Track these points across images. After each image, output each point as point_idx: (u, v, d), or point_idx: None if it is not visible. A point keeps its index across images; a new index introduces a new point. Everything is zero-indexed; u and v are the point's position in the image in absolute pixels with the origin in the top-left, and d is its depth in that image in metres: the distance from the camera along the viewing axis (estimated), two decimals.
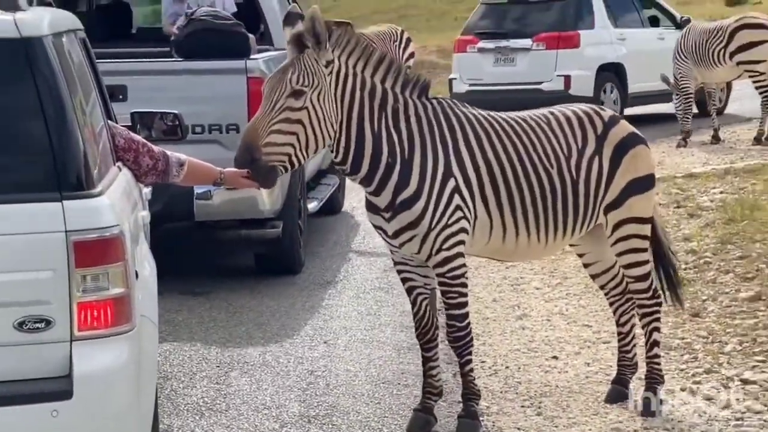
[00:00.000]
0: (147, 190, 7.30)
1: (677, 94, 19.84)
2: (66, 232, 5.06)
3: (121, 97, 10.91)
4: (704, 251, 12.00)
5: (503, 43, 21.93)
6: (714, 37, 19.37)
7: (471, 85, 21.99)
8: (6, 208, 5.08)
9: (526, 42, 21.69)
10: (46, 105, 5.20)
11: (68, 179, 5.16)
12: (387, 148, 7.23)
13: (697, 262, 11.70)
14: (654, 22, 23.79)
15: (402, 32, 24.75)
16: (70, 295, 5.09)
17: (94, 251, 5.14)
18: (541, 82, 21.44)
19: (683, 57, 19.55)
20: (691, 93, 19.68)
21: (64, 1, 13.31)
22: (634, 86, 22.17)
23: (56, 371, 5.11)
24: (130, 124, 7.33)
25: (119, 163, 6.39)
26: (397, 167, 7.24)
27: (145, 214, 6.65)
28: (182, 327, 10.29)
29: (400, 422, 7.80)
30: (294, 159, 7.04)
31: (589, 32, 21.97)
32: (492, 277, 11.66)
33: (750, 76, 19.62)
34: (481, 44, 22.20)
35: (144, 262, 6.13)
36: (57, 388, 5.06)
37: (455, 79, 22.60)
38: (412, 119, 7.34)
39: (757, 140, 19.15)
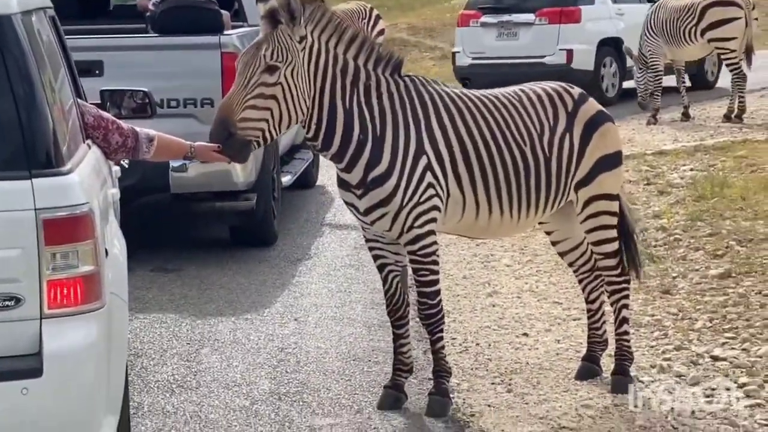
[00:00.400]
0: (116, 168, 7.28)
1: (641, 69, 19.75)
2: (35, 209, 5.05)
3: (97, 72, 11.20)
4: (674, 228, 12.04)
5: (506, 17, 22.50)
6: (685, 14, 19.32)
7: (474, 58, 23.02)
8: None
9: (529, 17, 22.24)
10: (15, 83, 5.19)
11: (37, 157, 5.16)
12: (359, 124, 7.23)
13: (667, 239, 11.74)
14: None
15: (371, 9, 24.75)
16: (39, 272, 5.09)
17: (63, 229, 5.13)
18: (543, 56, 22.04)
19: (653, 34, 19.48)
20: (660, 70, 19.69)
21: None
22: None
23: (26, 349, 5.10)
24: (99, 101, 7.32)
25: (89, 141, 6.36)
26: (369, 144, 7.23)
27: (114, 192, 6.65)
28: (153, 304, 10.27)
29: (370, 399, 7.79)
30: (268, 134, 7.05)
31: (590, 7, 22.59)
32: (462, 254, 11.67)
33: (720, 54, 19.75)
34: (484, 19, 22.79)
35: (113, 240, 6.12)
36: (27, 366, 5.06)
37: (458, 52, 23.61)
38: (384, 96, 7.33)
39: (727, 117, 19.18)
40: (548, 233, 8.48)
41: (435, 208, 7.36)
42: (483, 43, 22.76)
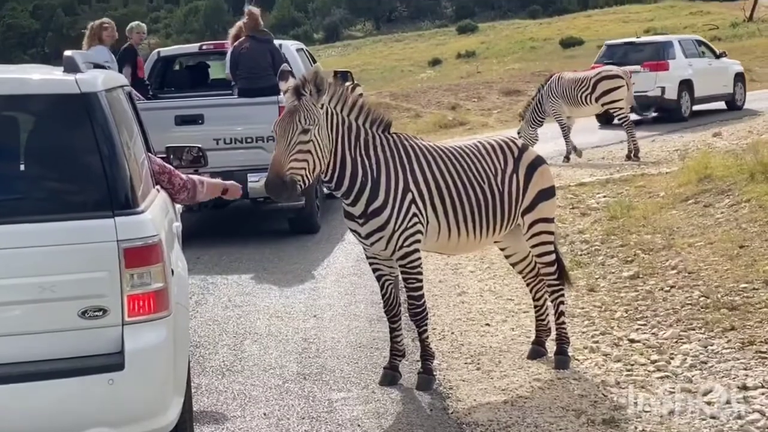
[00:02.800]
0: (179, 206, 7.11)
1: (532, 127, 19.96)
2: (117, 241, 4.93)
3: (200, 121, 13.07)
4: (594, 241, 11.84)
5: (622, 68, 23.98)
6: (581, 85, 19.58)
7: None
8: (73, 224, 4.94)
9: (637, 67, 24.66)
10: (101, 144, 5.08)
11: (118, 200, 5.03)
12: (361, 170, 7.10)
13: (589, 249, 11.54)
14: (704, 54, 27.66)
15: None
16: (121, 289, 4.95)
17: (139, 255, 5.00)
18: (647, 91, 24.68)
19: (555, 97, 19.71)
20: (565, 123, 19.85)
21: (169, 63, 16.10)
22: (698, 93, 26.15)
23: (111, 348, 4.95)
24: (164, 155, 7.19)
25: (157, 186, 6.22)
26: (369, 184, 7.10)
27: (178, 225, 6.46)
28: (207, 306, 10.00)
29: (373, 378, 7.58)
30: (305, 178, 6.90)
31: (673, 61, 25.79)
32: (437, 264, 11.43)
33: (612, 112, 19.88)
34: None
35: (177, 262, 5.92)
36: (112, 362, 4.92)
37: None
38: (379, 148, 7.21)
39: (628, 157, 19.12)
40: (502, 249, 8.33)
41: (419, 232, 7.23)
42: None
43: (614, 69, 20.37)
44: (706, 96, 26.72)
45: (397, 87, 38.85)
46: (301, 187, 6.90)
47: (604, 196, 14.71)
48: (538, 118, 20.01)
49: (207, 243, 13.17)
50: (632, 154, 19.08)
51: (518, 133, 19.60)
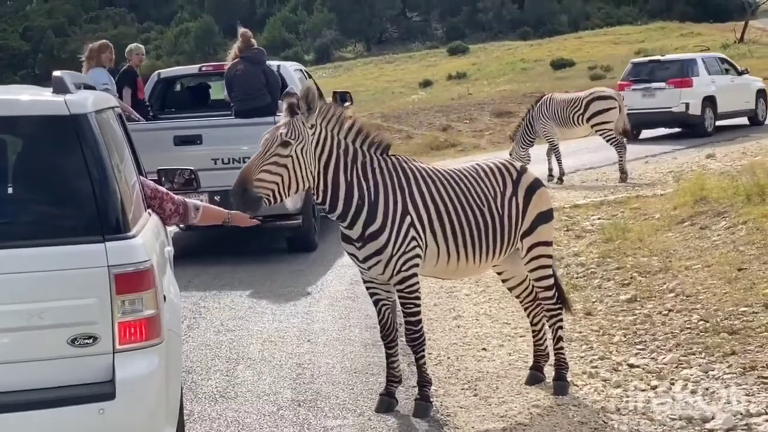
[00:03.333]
0: (171, 229, 6.97)
1: (523, 148, 20.03)
2: (108, 266, 4.78)
3: (198, 141, 13.31)
4: (590, 264, 11.71)
5: (647, 85, 27.01)
6: (572, 105, 19.56)
7: (629, 110, 24.82)
8: (62, 249, 4.80)
9: (662, 84, 26.67)
10: (91, 167, 4.94)
11: (109, 225, 4.89)
12: (357, 192, 6.94)
13: (585, 272, 11.41)
14: (727, 71, 28.90)
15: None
16: (112, 316, 4.80)
17: (131, 281, 4.85)
18: (671, 107, 26.44)
19: (546, 119, 19.70)
20: (556, 144, 19.89)
21: (168, 84, 16.26)
22: (721, 109, 27.32)
23: (102, 377, 4.80)
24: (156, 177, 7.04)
25: (149, 210, 6.08)
26: (366, 207, 6.94)
27: (170, 249, 6.32)
28: (199, 331, 9.84)
29: (369, 404, 7.40)
30: (277, 195, 6.76)
31: (697, 78, 26.95)
32: (432, 287, 11.26)
33: (600, 133, 19.65)
34: (633, 86, 27.11)
35: (170, 287, 5.79)
36: (103, 391, 4.76)
37: None
38: (377, 171, 7.07)
39: (622, 179, 19.03)
40: (499, 273, 8.16)
41: (417, 256, 7.08)
42: (634, 100, 26.08)
43: (607, 90, 20.38)
44: (729, 111, 27.92)
45: (388, 108, 38.73)
46: (266, 203, 6.73)
47: (599, 218, 14.60)
48: (529, 139, 20.01)
49: (199, 264, 13.02)
50: (622, 173, 19.08)
51: (510, 154, 19.58)
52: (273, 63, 15.09)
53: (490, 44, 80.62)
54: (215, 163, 13.06)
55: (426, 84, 59.92)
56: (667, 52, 37.63)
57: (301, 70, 16.59)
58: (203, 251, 14.48)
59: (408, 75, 66.69)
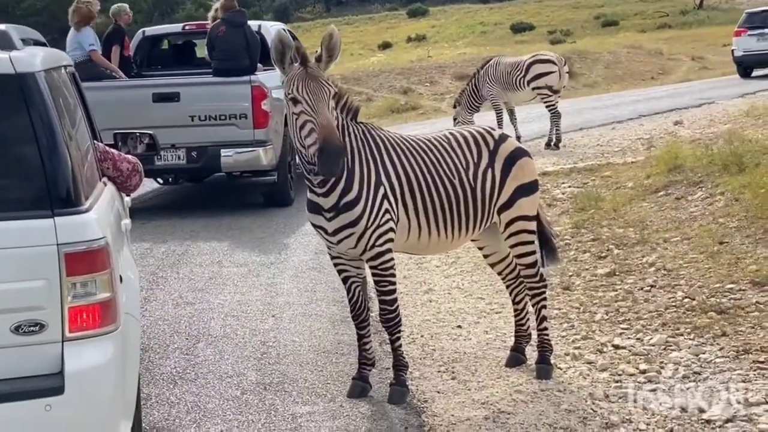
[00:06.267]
0: (128, 199, 6.39)
1: (469, 111, 19.60)
2: (57, 245, 4.22)
3: (176, 99, 13.62)
4: (564, 235, 11.23)
5: (760, 30, 32.11)
6: (515, 69, 19.08)
7: (744, 52, 32.56)
8: (5, 225, 4.22)
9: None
10: (39, 132, 4.37)
11: (59, 197, 4.32)
12: None
13: (559, 243, 10.84)
14: None
15: None
16: (61, 300, 4.25)
17: (83, 261, 4.30)
18: None
19: (492, 82, 19.18)
20: (501, 108, 19.46)
21: (154, 42, 16.73)
22: None
23: (49, 369, 4.26)
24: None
25: (104, 179, 5.50)
26: (345, 174, 6.36)
27: (127, 222, 5.74)
28: (156, 304, 9.26)
29: (340, 388, 6.87)
30: None
31: None
32: (400, 258, 10.63)
33: (541, 97, 19.17)
34: (749, 32, 32.45)
35: (127, 266, 5.21)
36: (50, 385, 4.22)
37: (735, 49, 33.22)
38: (352, 137, 6.51)
39: (547, 145, 18.80)
40: (480, 248, 7.63)
41: (391, 229, 6.55)
42: (749, 44, 32.14)
43: (548, 54, 19.93)
44: None
45: (348, 70, 37.92)
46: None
47: (570, 186, 14.15)
48: (475, 104, 19.51)
49: (155, 232, 12.44)
50: (553, 144, 18.77)
51: (454, 119, 19.18)
52: (254, 23, 15.34)
53: (449, 7, 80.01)
54: (192, 120, 13.55)
55: (385, 46, 59.35)
56: (619, 18, 39.31)
57: (284, 30, 16.14)
58: (165, 213, 13.98)
59: (367, 37, 65.99)
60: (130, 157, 6.09)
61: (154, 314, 8.89)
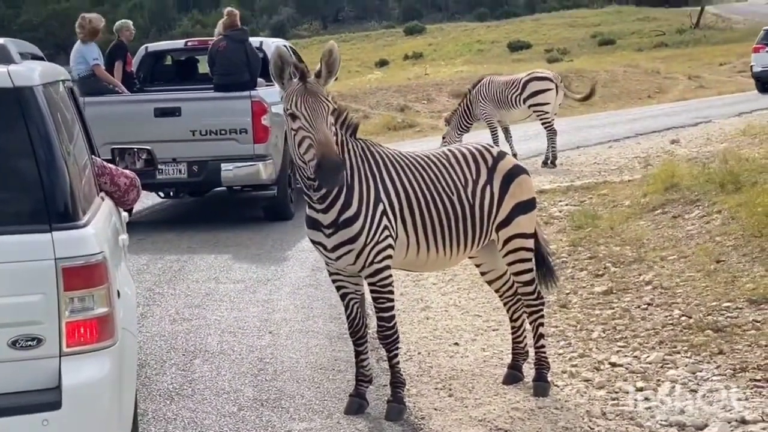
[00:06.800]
0: (125, 214, 6.38)
1: (459, 133, 19.42)
2: (55, 259, 4.22)
3: (177, 114, 13.74)
4: (561, 253, 11.22)
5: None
6: (511, 86, 19.00)
7: (762, 68, 33.45)
8: (3, 239, 4.23)
9: None
10: (37, 146, 4.37)
11: (57, 212, 4.32)
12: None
13: (555, 261, 10.84)
14: None
15: None
16: (59, 315, 4.25)
17: (80, 276, 4.29)
18: None
19: (485, 101, 19.10)
20: (496, 126, 19.40)
21: (157, 58, 16.94)
22: None
23: (46, 384, 4.25)
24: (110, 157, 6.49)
25: (102, 194, 5.50)
26: (344, 190, 6.37)
27: (124, 238, 5.74)
28: (153, 320, 9.24)
29: (338, 405, 6.84)
30: None
31: None
32: (398, 275, 10.58)
33: (537, 115, 19.06)
34: (767, 49, 33.27)
35: (124, 281, 5.20)
36: (47, 400, 4.21)
37: (754, 65, 34.05)
38: (352, 153, 6.51)
39: (544, 164, 18.74)
40: (477, 265, 7.63)
41: (390, 246, 6.55)
42: (766, 60, 33.21)
43: (545, 72, 19.91)
44: None
45: (345, 87, 37.98)
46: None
47: (567, 204, 14.16)
48: (466, 123, 19.43)
49: (152, 249, 12.42)
50: (549, 162, 18.72)
51: (443, 138, 19.16)
52: (255, 39, 15.63)
53: (446, 25, 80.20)
54: (193, 135, 13.70)
55: (382, 63, 59.50)
56: (616, 37, 39.52)
57: (285, 47, 16.24)
58: (162, 228, 14.00)
59: (364, 54, 66.14)
60: (127, 172, 6.09)
61: (150, 330, 8.87)
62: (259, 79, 14.46)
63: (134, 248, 11.09)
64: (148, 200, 15.89)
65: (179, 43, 17.51)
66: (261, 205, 14.64)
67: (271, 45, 15.27)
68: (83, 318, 4.30)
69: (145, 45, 17.02)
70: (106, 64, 14.80)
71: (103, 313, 4.36)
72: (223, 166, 13.57)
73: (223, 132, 13.74)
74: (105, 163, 6.03)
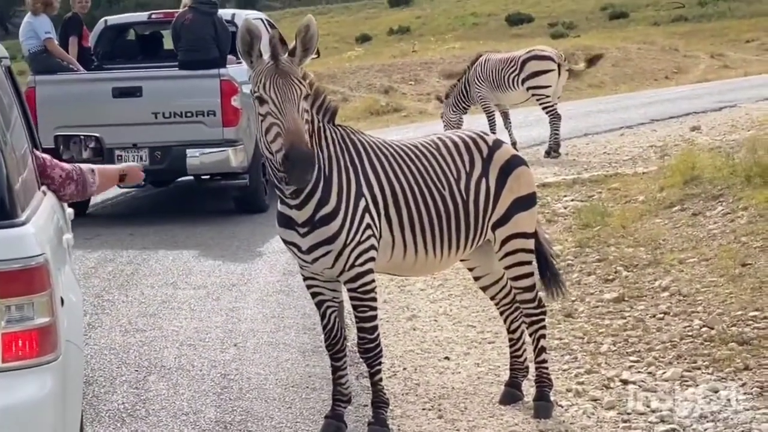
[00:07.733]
0: (70, 211, 6.36)
1: (454, 111, 19.66)
2: None
3: (138, 94, 13.94)
4: (566, 254, 11.30)
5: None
6: (508, 65, 19.11)
7: None
8: None
9: None
10: None
11: None
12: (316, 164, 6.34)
13: (560, 264, 10.90)
14: None
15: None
16: None
17: (18, 281, 4.27)
18: None
19: (480, 81, 19.22)
20: (493, 111, 19.54)
21: (118, 32, 17.02)
22: None
23: None
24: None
25: (43, 188, 5.47)
26: (321, 183, 6.39)
27: (69, 237, 5.72)
28: (102, 331, 9.26)
29: (311, 427, 6.89)
30: None
31: None
32: (380, 279, 10.65)
33: (536, 99, 19.16)
34: None
35: (69, 287, 5.20)
36: None
37: None
38: (330, 141, 6.52)
39: (547, 153, 18.84)
40: (470, 269, 7.67)
41: (373, 247, 6.57)
42: None
43: (547, 50, 19.81)
44: None
45: (321, 66, 38.04)
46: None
47: (572, 200, 14.27)
48: (463, 104, 19.52)
49: (101, 250, 12.43)
50: (552, 151, 18.85)
51: (441, 117, 19.25)
52: (227, 11, 15.96)
53: None
54: (155, 117, 13.89)
55: (364, 39, 59.56)
56: (629, 10, 39.89)
57: (261, 20, 16.54)
58: (113, 225, 14.03)
59: (343, 29, 66.18)
60: (64, 164, 6.05)
61: (99, 342, 8.89)
62: (230, 56, 14.49)
63: (81, 249, 11.10)
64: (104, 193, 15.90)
65: (142, 16, 17.58)
66: (231, 195, 14.78)
67: (246, 18, 15.41)
68: (21, 329, 4.28)
69: (105, 18, 17.09)
70: (60, 39, 14.83)
71: (45, 324, 4.34)
72: (189, 152, 13.72)
73: (188, 114, 13.89)
74: (39, 153, 5.99)
